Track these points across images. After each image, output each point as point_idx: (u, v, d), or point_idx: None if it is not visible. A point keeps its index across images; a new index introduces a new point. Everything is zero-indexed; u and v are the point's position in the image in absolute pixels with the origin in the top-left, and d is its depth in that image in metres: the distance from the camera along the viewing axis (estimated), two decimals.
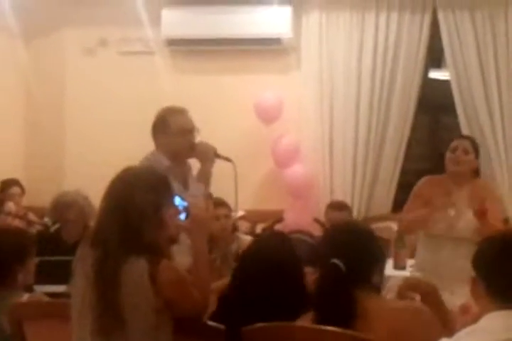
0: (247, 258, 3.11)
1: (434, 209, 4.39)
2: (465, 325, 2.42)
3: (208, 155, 4.16)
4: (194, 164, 4.27)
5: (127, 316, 2.64)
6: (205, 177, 4.13)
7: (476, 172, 4.61)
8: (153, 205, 2.75)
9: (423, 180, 4.67)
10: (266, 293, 2.91)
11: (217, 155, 4.25)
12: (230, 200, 4.62)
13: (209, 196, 4.14)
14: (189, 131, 4.12)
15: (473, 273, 2.45)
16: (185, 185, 4.10)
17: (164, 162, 4.00)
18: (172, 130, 4.07)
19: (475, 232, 4.29)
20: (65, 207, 4.91)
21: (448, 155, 4.50)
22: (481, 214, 4.26)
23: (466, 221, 4.39)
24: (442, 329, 2.64)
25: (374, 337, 2.54)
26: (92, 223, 4.63)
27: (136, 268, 2.66)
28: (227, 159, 4.31)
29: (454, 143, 4.53)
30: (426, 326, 2.63)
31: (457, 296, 3.77)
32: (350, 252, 2.71)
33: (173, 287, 2.70)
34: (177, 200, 2.92)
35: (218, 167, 4.29)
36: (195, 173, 4.23)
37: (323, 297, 2.68)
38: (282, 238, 3.17)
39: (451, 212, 4.45)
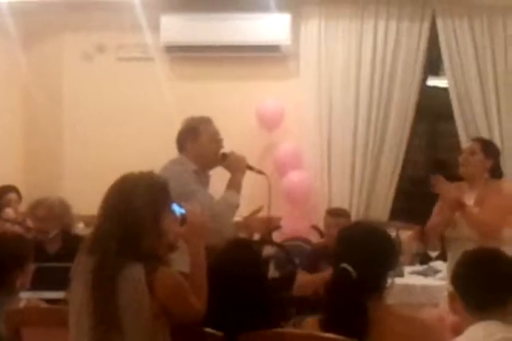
0: (209, 270, 2.98)
1: (446, 210, 4.37)
2: None
3: (240, 166, 4.25)
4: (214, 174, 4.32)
5: (125, 322, 2.65)
6: (237, 186, 4.18)
7: (489, 172, 4.50)
8: (151, 212, 2.75)
9: None
10: (227, 305, 2.88)
11: (250, 168, 4.35)
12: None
13: (238, 206, 4.16)
14: (219, 139, 4.27)
15: (451, 289, 2.54)
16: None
17: (192, 166, 4.12)
18: (203, 138, 4.21)
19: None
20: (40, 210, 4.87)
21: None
22: (454, 204, 4.24)
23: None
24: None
25: None
26: (73, 229, 4.73)
27: (134, 275, 2.67)
28: (260, 172, 4.41)
29: (464, 146, 4.53)
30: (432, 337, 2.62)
31: None
32: (363, 257, 2.64)
33: (170, 293, 2.70)
34: (175, 207, 2.92)
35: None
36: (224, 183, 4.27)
37: (332, 302, 2.65)
38: (244, 249, 3.12)
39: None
